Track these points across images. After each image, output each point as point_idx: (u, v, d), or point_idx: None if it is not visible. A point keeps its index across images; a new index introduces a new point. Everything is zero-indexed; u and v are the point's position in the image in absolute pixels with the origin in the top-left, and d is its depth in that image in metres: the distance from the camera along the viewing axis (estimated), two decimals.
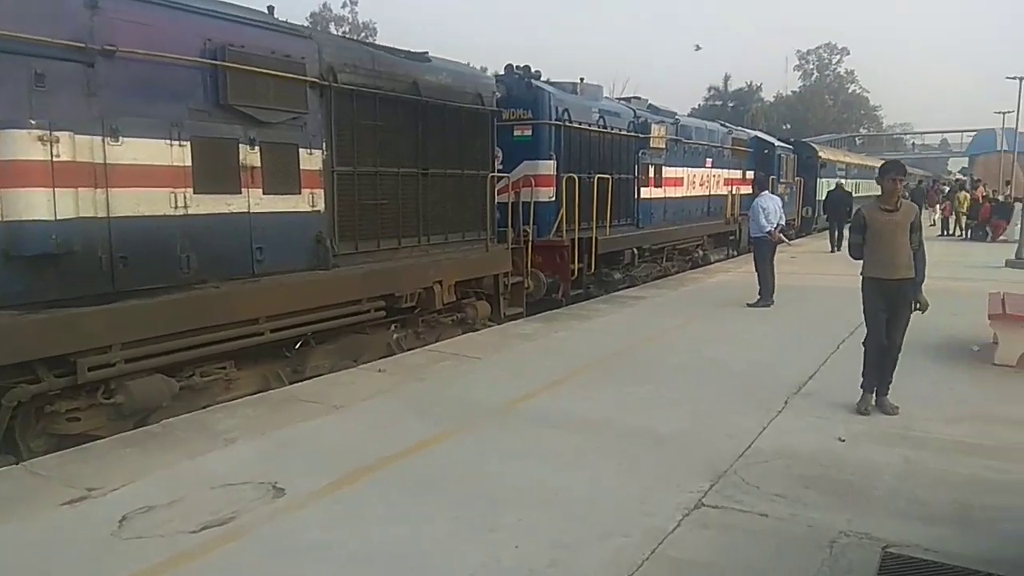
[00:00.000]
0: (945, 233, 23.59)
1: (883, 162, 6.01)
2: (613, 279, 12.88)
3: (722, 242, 19.22)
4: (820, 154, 26.57)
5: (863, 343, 6.02)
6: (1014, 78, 38.14)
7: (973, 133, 71.99)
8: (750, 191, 21.90)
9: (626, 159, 14.01)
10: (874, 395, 5.90)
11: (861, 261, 5.96)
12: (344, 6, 66.06)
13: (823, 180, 26.29)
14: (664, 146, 15.27)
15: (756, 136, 22.06)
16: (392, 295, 8.00)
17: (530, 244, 10.84)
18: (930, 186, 31.48)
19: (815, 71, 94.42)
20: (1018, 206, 21.19)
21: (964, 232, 22.44)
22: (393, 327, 8.37)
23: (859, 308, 6.07)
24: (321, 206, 7.25)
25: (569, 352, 7.92)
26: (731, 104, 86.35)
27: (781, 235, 10.57)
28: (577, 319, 9.83)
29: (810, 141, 31.79)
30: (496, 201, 10.14)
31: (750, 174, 21.18)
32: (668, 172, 15.88)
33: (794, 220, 24.47)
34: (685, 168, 16.72)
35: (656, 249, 15.16)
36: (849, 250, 6.18)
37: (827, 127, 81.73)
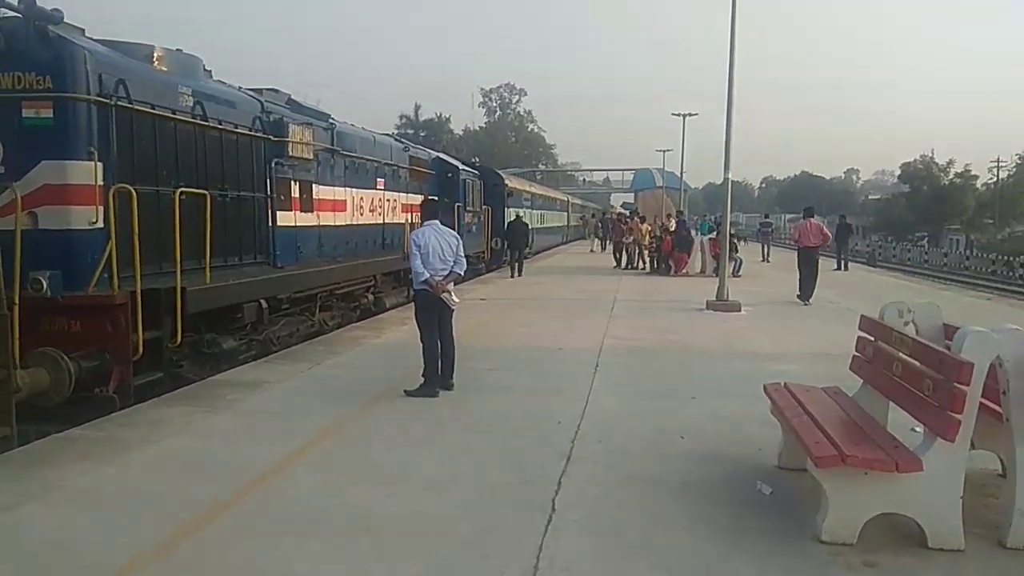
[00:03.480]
0: (630, 267, 22.88)
1: None
2: (222, 350, 8.41)
3: (403, 280, 15.60)
4: (507, 182, 24.71)
5: None
6: (678, 115, 41.09)
7: (633, 171, 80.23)
8: None
9: (249, 170, 9.71)
10: None
11: None
12: None
13: (511, 209, 24.41)
14: (312, 156, 11.24)
15: (438, 157, 19.11)
16: None
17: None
18: (615, 218, 31.66)
19: (498, 108, 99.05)
20: (698, 239, 20.99)
21: (647, 265, 21.79)
22: None
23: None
24: None
25: None
26: (423, 133, 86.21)
27: (446, 286, 6.95)
28: (83, 458, 5.17)
29: (514, 176, 30.29)
30: None
31: None
32: (323, 192, 11.88)
33: (483, 253, 22.06)
34: (349, 189, 12.86)
35: (306, 296, 11.01)
36: None
37: (511, 161, 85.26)
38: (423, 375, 6.89)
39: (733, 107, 13.15)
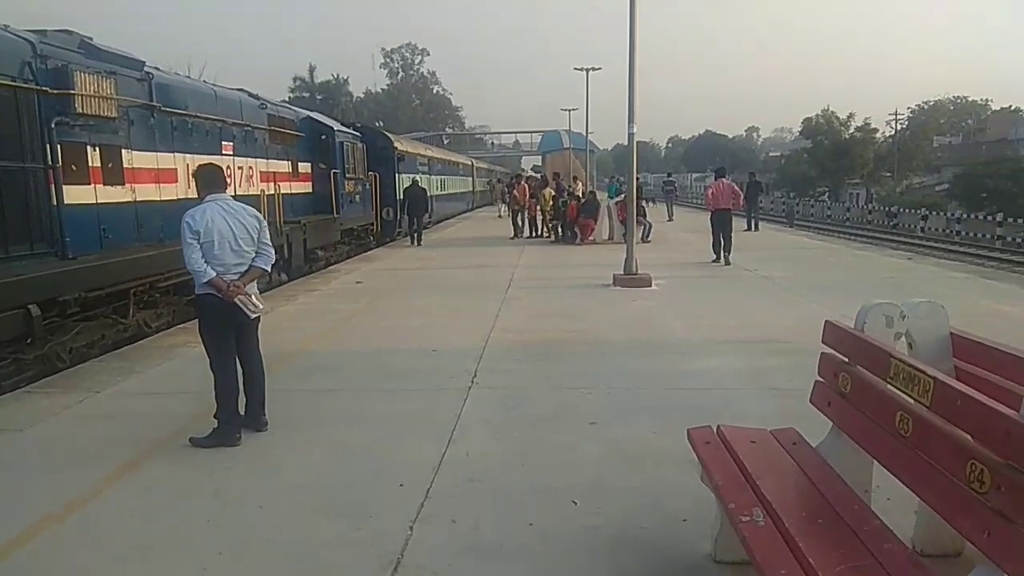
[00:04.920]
0: (533, 235, 21.12)
1: None
2: None
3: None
4: (397, 145, 22.37)
5: None
6: (580, 69, 39.46)
7: (541, 133, 78.56)
8: (306, 189, 16.93)
9: (13, 132, 7.31)
10: None
11: None
12: None
13: (403, 176, 22.18)
14: (117, 114, 8.85)
15: (309, 116, 16.66)
16: None
17: None
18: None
19: (400, 70, 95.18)
20: (604, 203, 19.37)
21: (551, 234, 20.04)
22: None
23: None
24: None
25: None
26: (320, 96, 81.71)
27: (242, 288, 4.82)
28: None
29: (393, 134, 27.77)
30: None
31: (305, 166, 15.81)
32: (140, 159, 9.52)
33: (371, 226, 19.87)
34: (179, 154, 10.48)
35: (118, 293, 8.71)
36: None
37: (417, 125, 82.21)
38: (215, 416, 4.87)
39: (636, 52, 11.43)
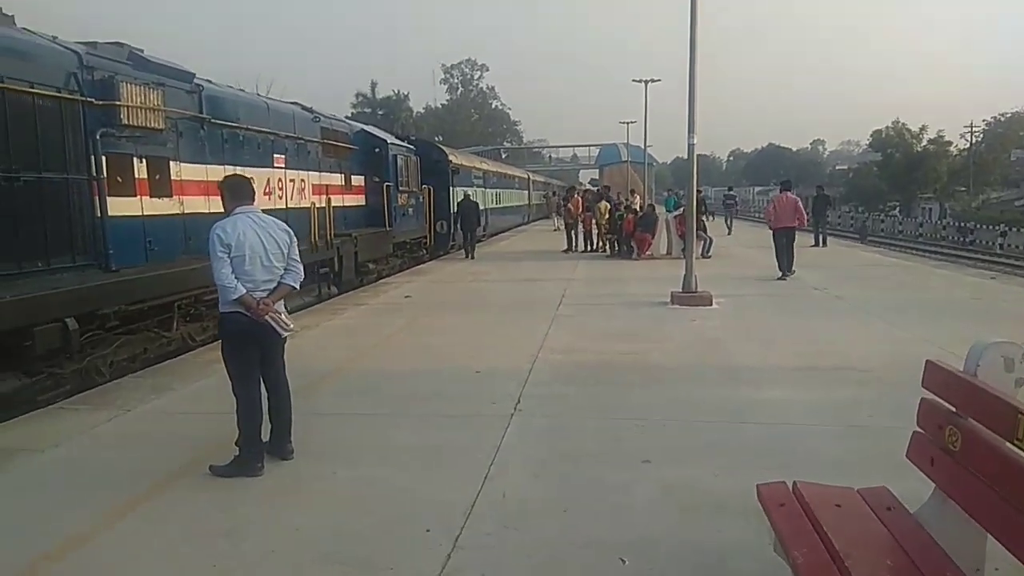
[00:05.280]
0: (588, 249, 20.57)
1: None
2: None
3: (314, 275, 13.12)
4: (451, 158, 22.18)
5: None
6: (640, 81, 38.93)
7: (599, 147, 77.94)
8: (359, 202, 16.83)
9: (57, 143, 7.24)
10: None
11: None
12: None
13: (458, 189, 21.95)
14: (165, 125, 8.78)
15: (363, 130, 16.57)
16: None
17: None
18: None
19: (460, 85, 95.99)
20: (662, 217, 18.72)
21: (607, 248, 19.46)
22: None
23: None
24: None
25: None
26: (380, 112, 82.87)
27: (272, 307, 4.51)
28: None
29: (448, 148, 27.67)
30: None
31: (358, 179, 15.69)
32: (189, 172, 9.44)
33: (424, 239, 19.68)
34: (230, 167, 10.35)
35: (162, 305, 8.59)
36: None
37: (475, 140, 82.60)
38: (237, 443, 4.54)
39: (696, 59, 10.86)
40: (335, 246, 13.26)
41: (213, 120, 9.94)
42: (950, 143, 52.97)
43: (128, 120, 8.11)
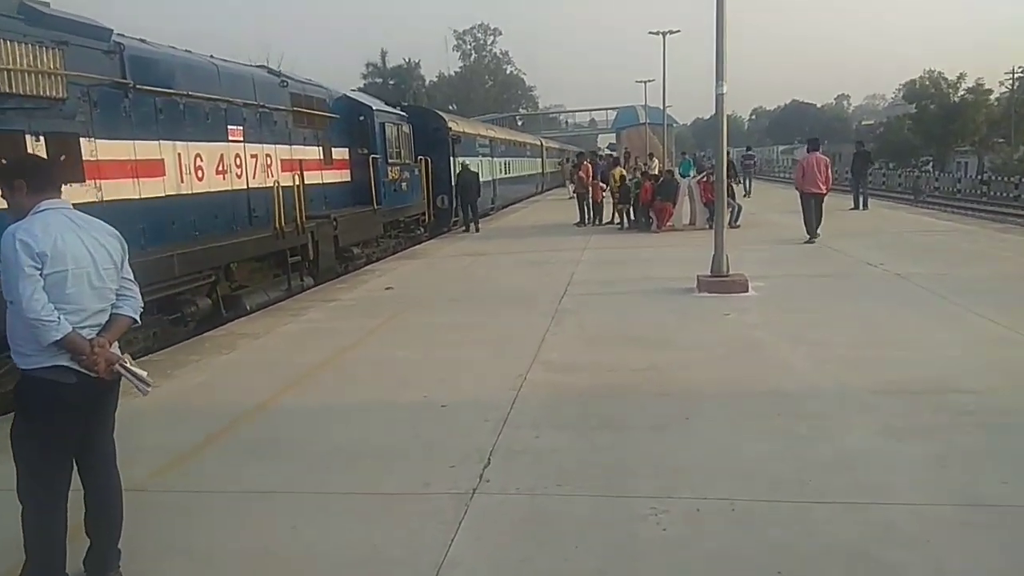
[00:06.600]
0: (598, 222, 18.58)
1: None
2: None
3: (277, 267, 11.35)
4: (451, 125, 20.27)
5: None
6: (656, 32, 36.60)
7: (616, 110, 75.28)
8: (342, 178, 15.04)
9: None
10: None
11: None
12: None
13: (460, 159, 20.05)
14: (64, 94, 7.10)
15: (345, 96, 14.76)
16: None
17: None
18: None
19: (473, 52, 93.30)
20: (684, 183, 16.72)
21: (622, 220, 17.47)
22: None
23: None
24: None
25: None
26: (392, 82, 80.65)
27: (107, 351, 2.86)
28: None
29: (452, 115, 25.73)
30: None
31: (341, 152, 13.95)
32: (108, 149, 7.77)
33: (423, 216, 17.94)
34: (167, 142, 8.75)
35: None
36: None
37: (490, 107, 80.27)
38: None
39: None
40: (308, 230, 11.57)
41: (140, 86, 8.23)
42: (990, 91, 49.73)
43: (12, 88, 6.46)
